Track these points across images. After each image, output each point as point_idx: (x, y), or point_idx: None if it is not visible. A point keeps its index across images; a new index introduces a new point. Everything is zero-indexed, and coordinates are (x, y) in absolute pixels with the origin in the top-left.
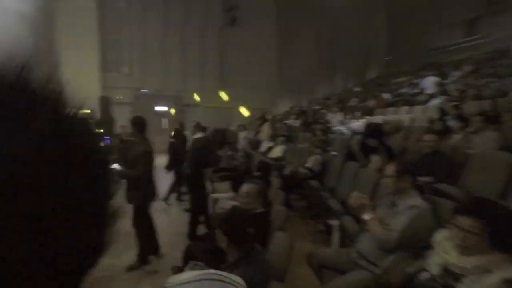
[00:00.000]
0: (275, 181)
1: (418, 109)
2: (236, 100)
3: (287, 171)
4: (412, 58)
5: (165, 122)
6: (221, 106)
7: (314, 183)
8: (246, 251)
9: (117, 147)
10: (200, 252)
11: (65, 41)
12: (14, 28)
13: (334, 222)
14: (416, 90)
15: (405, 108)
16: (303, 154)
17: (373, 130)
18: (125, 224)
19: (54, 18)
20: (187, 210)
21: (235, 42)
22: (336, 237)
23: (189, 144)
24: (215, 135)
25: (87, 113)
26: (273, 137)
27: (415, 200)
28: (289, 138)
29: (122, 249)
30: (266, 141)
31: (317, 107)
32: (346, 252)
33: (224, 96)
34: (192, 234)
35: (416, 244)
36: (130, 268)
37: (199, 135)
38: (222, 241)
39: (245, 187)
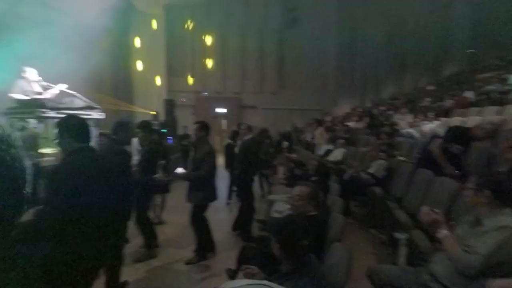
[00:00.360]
0: (334, 187)
1: (510, 109)
2: (295, 102)
3: (347, 176)
4: (501, 49)
5: (224, 124)
6: (280, 107)
7: (377, 190)
8: (300, 263)
9: (181, 147)
10: (254, 256)
11: (137, 49)
12: (99, 41)
13: (401, 236)
14: (507, 87)
15: (492, 108)
16: (366, 159)
17: (458, 135)
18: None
19: (129, 30)
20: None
21: (295, 42)
22: (403, 253)
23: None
24: (261, 135)
25: (153, 114)
26: (332, 140)
27: (507, 220)
28: (350, 141)
29: (184, 243)
30: (324, 144)
31: (382, 108)
32: (416, 271)
33: (280, 98)
34: (246, 234)
35: (508, 271)
36: (188, 262)
37: (248, 136)
38: (275, 249)
39: (297, 189)
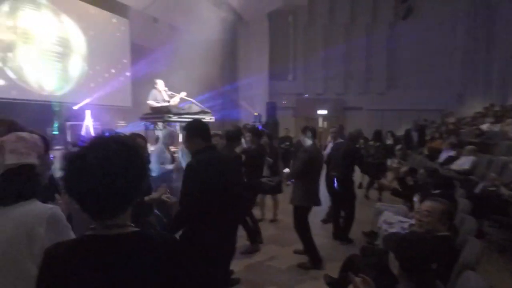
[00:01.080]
0: (462, 202)
1: None
2: (406, 102)
3: (478, 189)
4: None
5: (325, 125)
6: (388, 108)
7: None
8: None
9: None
10: (365, 266)
11: (242, 55)
12: (213, 52)
13: None
14: None
15: None
16: (506, 169)
17: None
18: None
19: (236, 39)
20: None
21: (407, 37)
22: None
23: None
24: (353, 139)
25: (256, 115)
26: (457, 145)
27: None
28: (482, 146)
29: (287, 242)
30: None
31: None
32: None
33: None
34: (343, 236)
35: None
36: (301, 266)
37: (339, 140)
38: (393, 266)
39: (427, 204)
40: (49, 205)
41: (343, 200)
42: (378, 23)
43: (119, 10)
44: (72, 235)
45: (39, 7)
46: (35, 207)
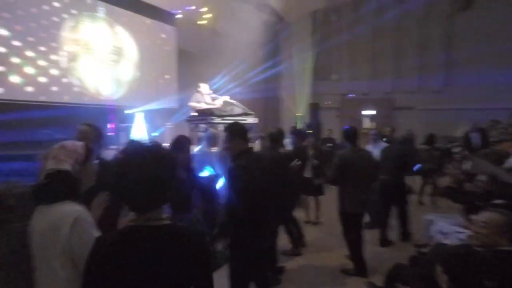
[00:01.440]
0: None
1: None
2: (467, 100)
3: None
4: None
5: (372, 126)
6: (444, 108)
7: None
8: None
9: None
10: (413, 278)
11: (284, 56)
12: (255, 54)
13: None
14: None
15: None
16: None
17: None
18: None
19: (278, 40)
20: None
21: (468, 29)
22: None
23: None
24: (405, 142)
25: (299, 116)
26: None
27: None
28: None
29: (329, 246)
30: None
31: None
32: None
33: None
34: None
35: None
36: (344, 271)
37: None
38: (441, 280)
39: (486, 215)
40: (78, 208)
41: (398, 204)
42: (433, 16)
43: (167, 19)
44: (96, 235)
45: (97, 20)
46: (65, 209)
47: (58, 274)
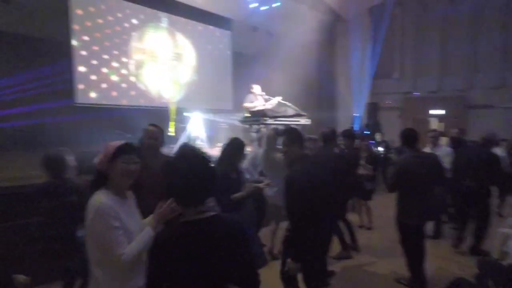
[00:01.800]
0: None
1: None
2: None
3: None
4: None
5: (441, 127)
6: None
7: None
8: None
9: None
10: None
11: (341, 54)
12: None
13: None
14: None
15: None
16: None
17: None
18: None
19: (334, 39)
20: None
21: None
22: None
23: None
24: (487, 144)
25: (355, 116)
26: None
27: None
28: None
29: (382, 252)
30: None
31: None
32: None
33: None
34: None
35: None
36: (398, 280)
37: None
38: None
39: None
40: (103, 199)
41: (479, 213)
42: None
43: (222, 23)
44: (116, 224)
45: (159, 29)
46: (94, 197)
47: (89, 254)
